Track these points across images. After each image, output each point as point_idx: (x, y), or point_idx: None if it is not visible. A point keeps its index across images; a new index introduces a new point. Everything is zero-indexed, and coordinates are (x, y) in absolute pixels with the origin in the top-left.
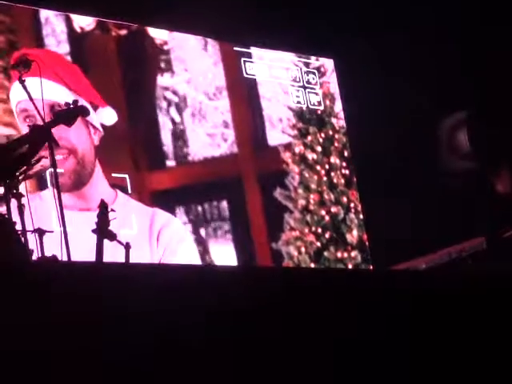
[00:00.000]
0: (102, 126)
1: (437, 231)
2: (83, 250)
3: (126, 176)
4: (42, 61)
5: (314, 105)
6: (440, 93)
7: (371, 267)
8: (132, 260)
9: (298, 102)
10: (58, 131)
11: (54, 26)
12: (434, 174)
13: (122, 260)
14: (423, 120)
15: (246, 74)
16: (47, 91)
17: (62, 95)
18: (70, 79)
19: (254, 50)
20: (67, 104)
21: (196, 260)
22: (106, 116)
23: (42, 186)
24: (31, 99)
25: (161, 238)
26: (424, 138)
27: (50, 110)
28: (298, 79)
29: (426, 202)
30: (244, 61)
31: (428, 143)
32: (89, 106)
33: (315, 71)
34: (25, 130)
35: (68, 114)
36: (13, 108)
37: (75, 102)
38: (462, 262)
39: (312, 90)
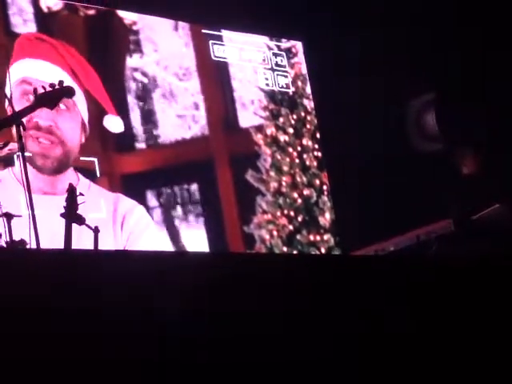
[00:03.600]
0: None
1: (405, 213)
2: (51, 235)
3: (95, 159)
4: (58, 50)
5: (282, 87)
6: (409, 75)
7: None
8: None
9: (267, 85)
10: (55, 118)
11: (20, 6)
12: (403, 155)
13: (90, 244)
14: (392, 102)
15: (215, 56)
16: (53, 77)
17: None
18: (83, 76)
19: (224, 33)
20: (52, 85)
21: (160, 247)
22: (114, 125)
23: (7, 165)
24: None
25: (125, 225)
26: (393, 119)
27: None
28: (266, 61)
29: (395, 184)
30: (212, 43)
31: (397, 125)
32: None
33: (283, 53)
34: (21, 104)
35: (50, 96)
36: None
37: (61, 82)
38: (430, 244)
39: (280, 73)
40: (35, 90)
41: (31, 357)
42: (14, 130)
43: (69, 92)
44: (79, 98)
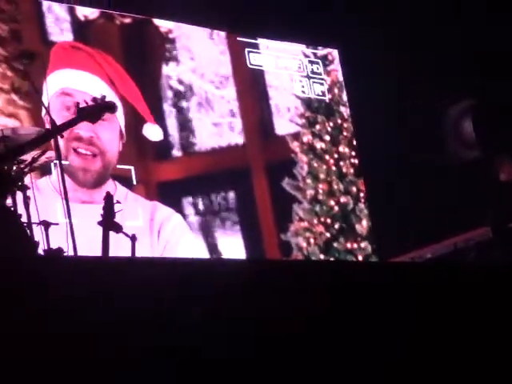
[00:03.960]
0: None
1: (442, 221)
2: (88, 242)
3: (132, 168)
4: (94, 59)
5: (318, 95)
6: (445, 81)
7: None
8: (137, 252)
9: (303, 92)
10: (95, 129)
11: (57, 15)
12: (441, 163)
13: (128, 251)
14: (428, 109)
15: (250, 64)
16: (92, 87)
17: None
18: (121, 85)
19: (260, 41)
20: (94, 99)
21: (196, 255)
22: (153, 133)
23: (44, 174)
24: (36, 91)
25: (162, 233)
26: (429, 127)
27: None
28: (302, 69)
29: (432, 192)
30: (248, 51)
31: (434, 132)
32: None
33: (319, 61)
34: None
35: (93, 111)
36: (49, 93)
37: (103, 97)
38: (468, 252)
39: (316, 80)
40: (77, 104)
41: (68, 357)
42: None
43: (111, 107)
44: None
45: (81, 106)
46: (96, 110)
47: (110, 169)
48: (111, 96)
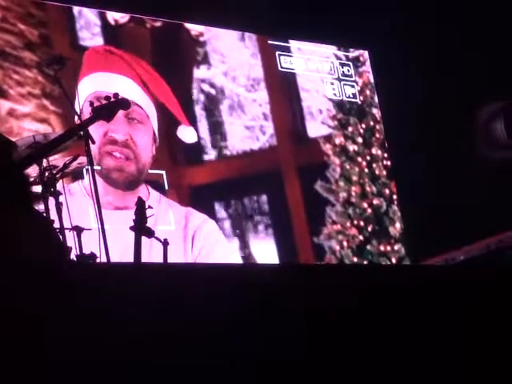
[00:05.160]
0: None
1: (475, 222)
2: (121, 248)
3: (163, 172)
4: (128, 62)
5: (349, 97)
6: (476, 81)
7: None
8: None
9: (334, 95)
10: (130, 132)
11: (87, 19)
12: (472, 164)
13: (160, 256)
14: (459, 110)
15: (281, 67)
16: (125, 90)
17: (140, 98)
18: (155, 88)
19: (291, 43)
20: (107, 98)
21: (231, 262)
22: (188, 135)
23: (76, 179)
24: (66, 96)
25: (195, 240)
26: (461, 128)
27: None
28: (333, 71)
29: (464, 193)
30: (279, 54)
31: (465, 133)
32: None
33: (350, 63)
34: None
35: (107, 108)
36: (83, 96)
37: (116, 94)
38: (500, 254)
39: (347, 82)
40: (91, 103)
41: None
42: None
43: (124, 104)
44: (151, 111)
45: (95, 105)
46: (110, 108)
47: (143, 173)
48: (145, 99)
